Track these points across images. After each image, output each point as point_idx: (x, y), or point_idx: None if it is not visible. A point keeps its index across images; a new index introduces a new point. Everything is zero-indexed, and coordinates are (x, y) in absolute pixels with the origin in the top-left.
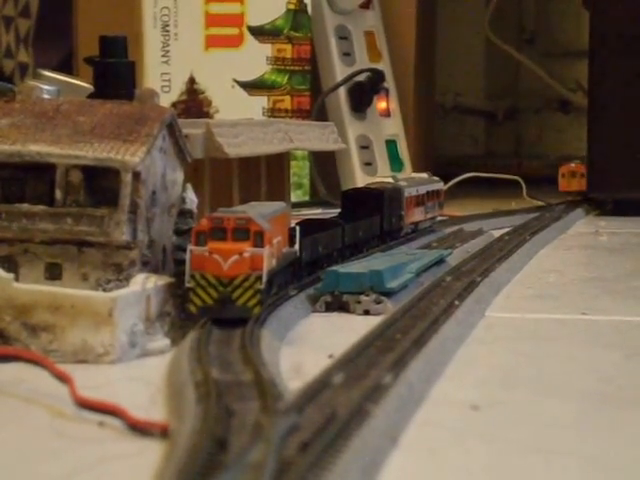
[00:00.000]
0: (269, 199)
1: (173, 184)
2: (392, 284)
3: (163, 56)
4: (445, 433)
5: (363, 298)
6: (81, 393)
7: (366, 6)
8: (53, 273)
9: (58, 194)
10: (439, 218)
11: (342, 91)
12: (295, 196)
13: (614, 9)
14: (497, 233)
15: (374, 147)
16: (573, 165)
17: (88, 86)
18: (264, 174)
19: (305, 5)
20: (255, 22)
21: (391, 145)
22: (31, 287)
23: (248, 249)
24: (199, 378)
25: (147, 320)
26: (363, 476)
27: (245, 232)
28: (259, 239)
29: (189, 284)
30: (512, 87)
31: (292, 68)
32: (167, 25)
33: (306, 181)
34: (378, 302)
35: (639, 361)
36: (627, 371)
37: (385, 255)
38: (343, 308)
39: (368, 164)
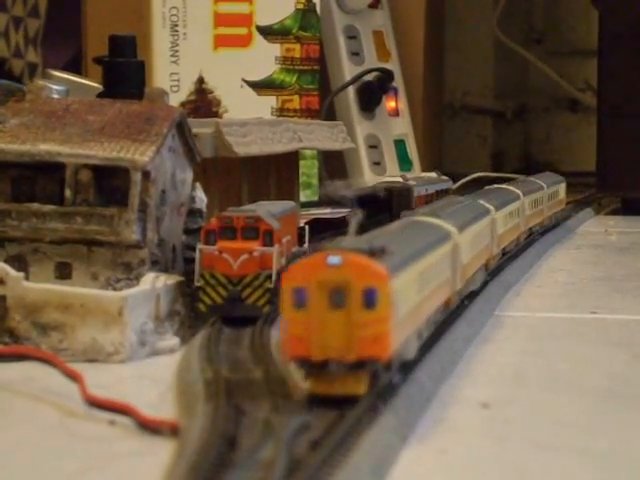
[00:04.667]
0: (278, 198)
1: (182, 183)
2: None
3: (172, 56)
4: (455, 432)
5: None
6: (91, 392)
7: (375, 6)
8: (63, 272)
9: (68, 193)
10: None
11: (351, 90)
12: (304, 196)
13: (624, 8)
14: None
15: (383, 146)
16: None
17: (97, 86)
18: (273, 173)
19: (314, 5)
20: (264, 22)
21: (400, 144)
22: (41, 286)
23: (257, 248)
24: (209, 377)
25: (157, 319)
26: (373, 475)
27: (254, 231)
28: (268, 238)
29: (199, 283)
30: (521, 86)
31: (301, 68)
32: (176, 25)
33: (315, 181)
34: None
35: None
36: (637, 369)
37: None
38: None
39: (377, 163)
